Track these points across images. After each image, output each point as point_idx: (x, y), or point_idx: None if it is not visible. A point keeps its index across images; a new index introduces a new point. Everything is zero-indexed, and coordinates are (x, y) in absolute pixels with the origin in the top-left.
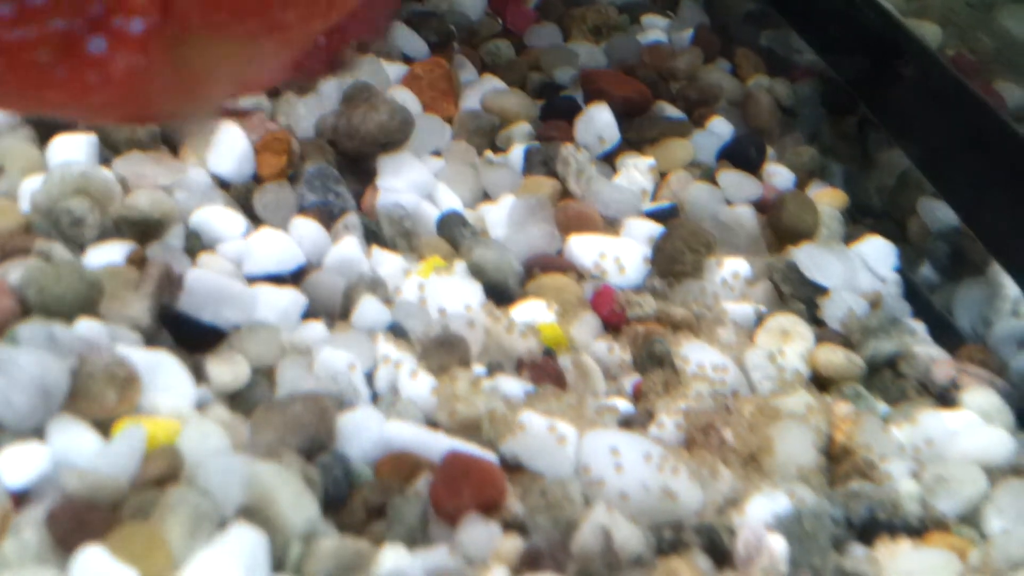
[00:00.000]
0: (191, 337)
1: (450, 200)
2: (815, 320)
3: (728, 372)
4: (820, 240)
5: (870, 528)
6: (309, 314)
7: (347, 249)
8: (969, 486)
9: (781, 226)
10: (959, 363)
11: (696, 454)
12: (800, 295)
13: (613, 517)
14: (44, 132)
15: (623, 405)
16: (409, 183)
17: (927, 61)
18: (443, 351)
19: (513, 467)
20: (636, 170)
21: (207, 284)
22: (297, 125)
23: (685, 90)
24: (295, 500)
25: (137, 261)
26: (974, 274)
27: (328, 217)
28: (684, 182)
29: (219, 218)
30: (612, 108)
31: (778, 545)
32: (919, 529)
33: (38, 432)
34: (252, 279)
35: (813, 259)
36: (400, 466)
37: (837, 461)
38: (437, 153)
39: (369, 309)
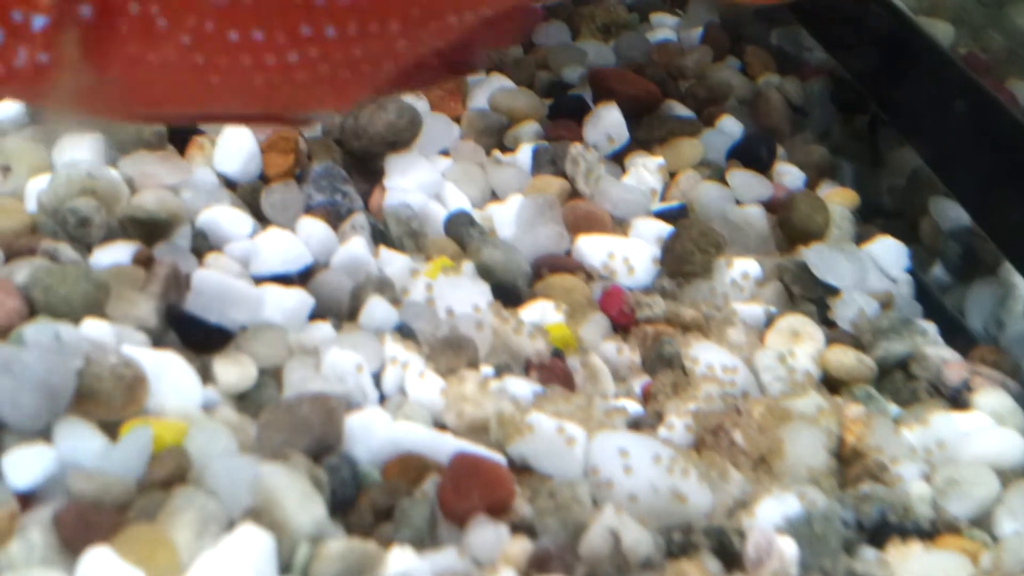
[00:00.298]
0: (198, 338)
1: (458, 200)
2: (826, 321)
3: (738, 373)
4: (831, 240)
5: (881, 531)
6: (316, 315)
7: (354, 249)
8: (981, 488)
9: (791, 226)
10: (971, 364)
11: (706, 456)
12: (811, 296)
13: (622, 519)
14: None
15: (632, 406)
16: (417, 183)
17: (939, 59)
18: (451, 352)
19: (521, 468)
20: (645, 169)
21: (214, 284)
22: None
23: (694, 89)
24: (302, 501)
25: (144, 261)
26: (986, 275)
27: (335, 217)
28: (694, 182)
29: (226, 218)
30: (621, 107)
31: (788, 548)
32: (930, 532)
33: (44, 433)
34: (259, 279)
35: (824, 259)
36: (408, 468)
37: (848, 463)
38: (445, 152)
39: (376, 310)
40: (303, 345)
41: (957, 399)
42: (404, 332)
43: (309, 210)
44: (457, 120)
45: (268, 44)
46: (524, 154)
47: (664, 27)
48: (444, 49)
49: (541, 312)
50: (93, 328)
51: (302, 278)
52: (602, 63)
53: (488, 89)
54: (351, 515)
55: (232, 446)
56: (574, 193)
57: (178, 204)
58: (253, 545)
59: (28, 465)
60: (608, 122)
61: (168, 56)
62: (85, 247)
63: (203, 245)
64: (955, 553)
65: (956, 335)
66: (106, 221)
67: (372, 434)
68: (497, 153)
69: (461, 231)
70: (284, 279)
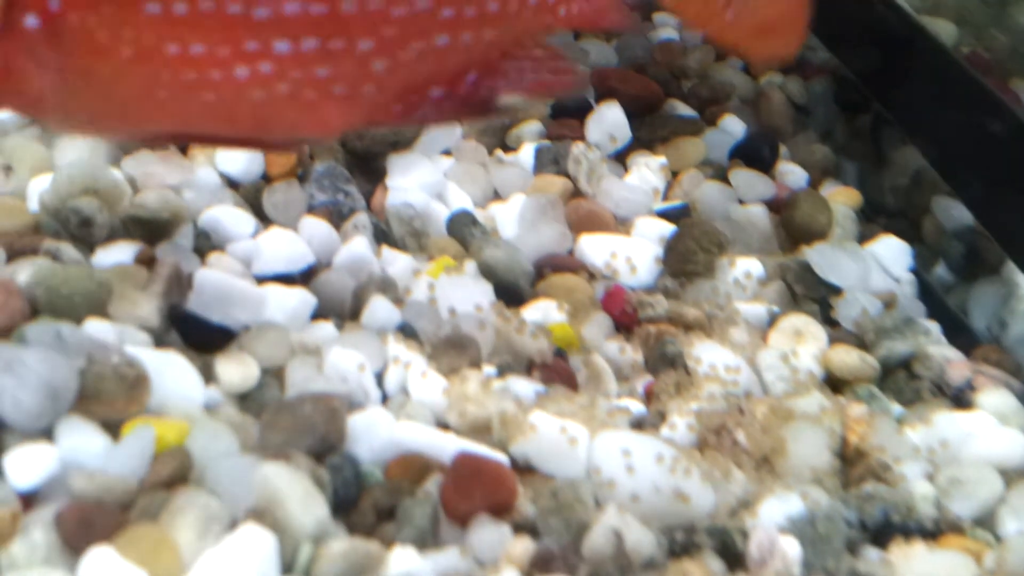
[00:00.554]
0: (200, 337)
1: (460, 199)
2: (829, 320)
3: (741, 373)
4: (834, 240)
5: (884, 530)
6: (318, 314)
7: (357, 249)
8: (984, 488)
9: (794, 225)
10: (974, 364)
11: (708, 456)
12: (813, 295)
13: (625, 519)
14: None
15: (635, 406)
16: (419, 182)
17: (942, 59)
18: (453, 351)
19: (524, 468)
20: (648, 169)
21: (216, 284)
22: None
23: (697, 88)
24: (304, 501)
25: (146, 261)
26: (989, 274)
27: (338, 217)
28: (696, 181)
29: (228, 218)
30: (623, 106)
31: (791, 548)
32: (933, 532)
33: (47, 433)
34: (261, 279)
35: (826, 259)
36: (410, 467)
37: (851, 463)
38: (447, 152)
39: (379, 309)
40: (305, 345)
41: (960, 399)
42: (406, 332)
43: (311, 210)
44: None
45: (214, 57)
46: (526, 153)
47: (666, 27)
48: (457, 82)
49: (543, 312)
50: (95, 328)
51: (304, 278)
52: (604, 62)
53: None
54: (353, 515)
55: (234, 446)
56: (576, 192)
57: (180, 204)
58: (255, 545)
59: (30, 465)
60: (610, 121)
61: (116, 69)
62: (87, 247)
63: (205, 245)
64: (958, 553)
65: (959, 334)
66: (108, 221)
67: (374, 434)
68: (499, 152)
69: (463, 231)
70: (286, 279)
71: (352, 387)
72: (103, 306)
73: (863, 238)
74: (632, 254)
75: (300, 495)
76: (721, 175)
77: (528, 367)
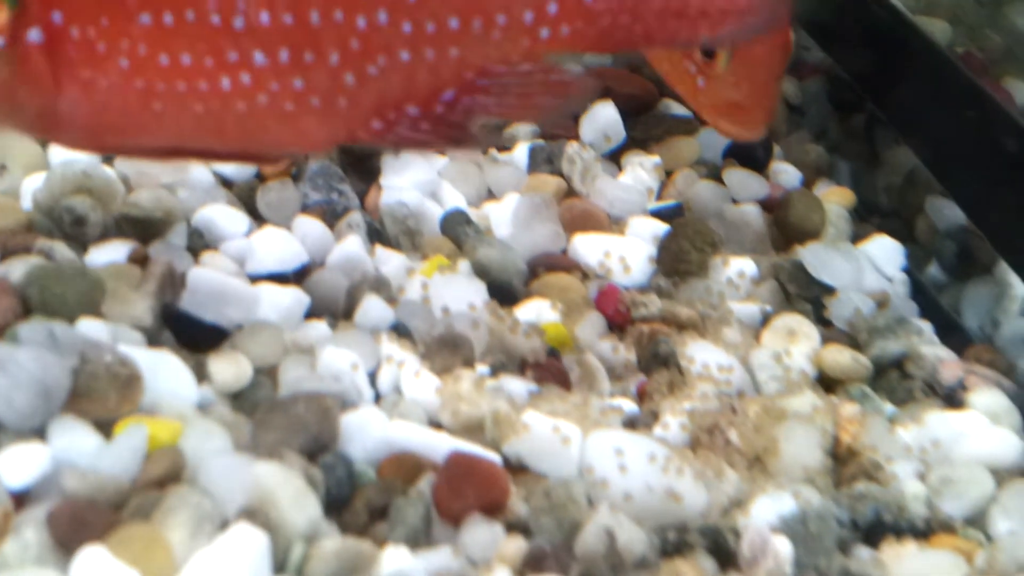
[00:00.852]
0: (193, 336)
1: (454, 199)
2: (821, 320)
3: (733, 372)
4: (827, 239)
5: (875, 530)
6: (312, 313)
7: (350, 248)
8: (976, 488)
9: (788, 225)
10: (966, 364)
11: (701, 455)
12: (807, 295)
13: (617, 518)
14: None
15: (628, 405)
16: (413, 181)
17: (936, 58)
18: (447, 351)
19: (516, 468)
20: (642, 168)
21: (209, 283)
22: None
23: None
24: (297, 501)
25: (139, 260)
26: (982, 274)
27: (331, 216)
28: (690, 180)
29: (222, 217)
30: (617, 106)
31: (783, 547)
32: (925, 531)
33: (39, 432)
34: (255, 278)
35: (820, 258)
36: (403, 467)
37: (843, 462)
38: (441, 151)
39: (372, 308)
40: (298, 344)
41: (952, 398)
42: (400, 331)
43: (305, 209)
44: None
45: (201, 67)
46: (520, 153)
47: None
48: (431, 101)
49: (537, 311)
50: (88, 327)
51: (298, 277)
52: (598, 62)
53: None
54: (346, 514)
55: (227, 445)
56: (570, 192)
57: (174, 202)
58: (248, 544)
59: (22, 464)
60: (604, 121)
61: (114, 81)
62: (80, 245)
63: (199, 244)
64: (950, 552)
65: (952, 334)
66: (102, 219)
67: (367, 433)
68: (493, 152)
69: (457, 230)
70: (280, 278)
71: (345, 386)
72: (96, 305)
73: (856, 238)
74: (626, 253)
75: (293, 494)
76: (715, 175)
77: (521, 366)
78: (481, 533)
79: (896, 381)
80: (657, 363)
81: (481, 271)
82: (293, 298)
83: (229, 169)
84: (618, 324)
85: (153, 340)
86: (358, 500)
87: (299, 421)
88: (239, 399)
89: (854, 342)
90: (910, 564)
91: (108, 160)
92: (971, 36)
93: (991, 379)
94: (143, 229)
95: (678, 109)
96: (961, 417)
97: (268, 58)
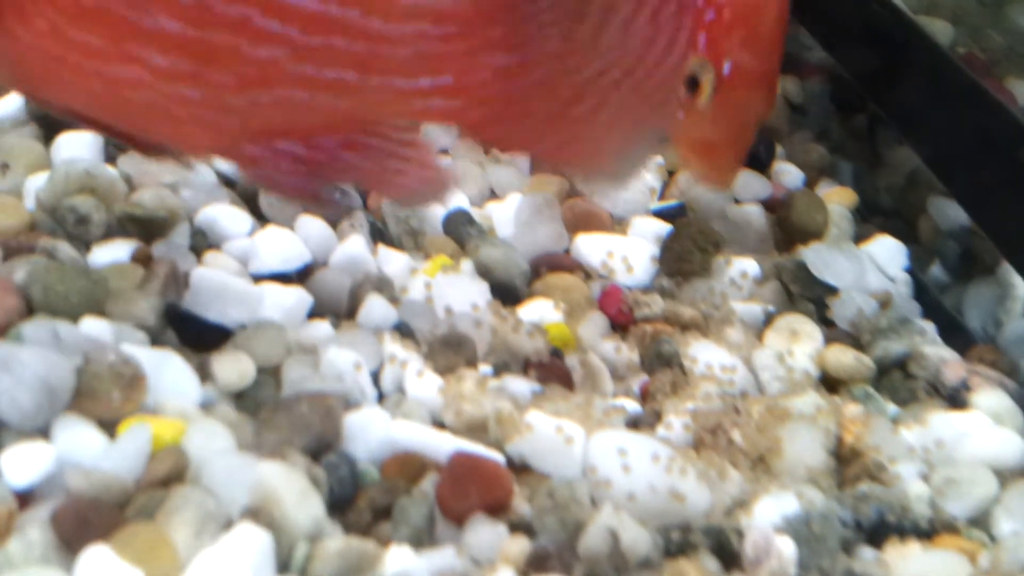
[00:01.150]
0: (196, 336)
1: (457, 198)
2: (824, 320)
3: (736, 372)
4: (829, 239)
5: (879, 530)
6: (315, 313)
7: (353, 248)
8: (979, 488)
9: (790, 225)
10: (969, 364)
11: (704, 455)
12: (809, 295)
13: (620, 518)
14: (49, 130)
15: (631, 405)
16: None
17: (938, 59)
18: (450, 350)
19: (520, 468)
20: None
21: (213, 283)
22: None
23: None
24: (301, 500)
25: (142, 259)
26: (985, 274)
27: (334, 215)
28: (692, 181)
29: (225, 216)
30: None
31: (786, 547)
32: (928, 531)
33: (43, 431)
34: (258, 278)
35: (822, 258)
36: (406, 466)
37: (846, 463)
38: (444, 151)
39: (375, 308)
40: (302, 344)
41: (955, 399)
42: (403, 331)
43: (308, 208)
44: None
45: (104, 51)
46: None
47: None
48: (312, 143)
49: (540, 311)
50: (92, 326)
51: (301, 276)
52: None
53: None
54: (349, 514)
55: (230, 445)
56: (573, 192)
57: (177, 202)
58: (251, 544)
59: (26, 463)
60: None
61: (32, 39)
62: (84, 245)
63: (202, 243)
64: (953, 553)
65: (954, 334)
66: (105, 219)
67: (370, 433)
68: (496, 151)
69: (460, 230)
70: (283, 277)
71: (348, 386)
72: (99, 304)
73: (859, 238)
74: (628, 253)
75: (296, 494)
76: None
77: (524, 366)
78: (485, 533)
79: (899, 381)
80: (660, 363)
81: (484, 271)
82: (296, 298)
83: (232, 169)
84: (621, 324)
85: (156, 340)
86: (361, 500)
87: (302, 421)
88: (242, 399)
89: (857, 342)
90: (914, 565)
91: (111, 160)
92: (973, 36)
93: (994, 379)
94: (146, 229)
95: None
96: (964, 418)
97: (167, 61)
